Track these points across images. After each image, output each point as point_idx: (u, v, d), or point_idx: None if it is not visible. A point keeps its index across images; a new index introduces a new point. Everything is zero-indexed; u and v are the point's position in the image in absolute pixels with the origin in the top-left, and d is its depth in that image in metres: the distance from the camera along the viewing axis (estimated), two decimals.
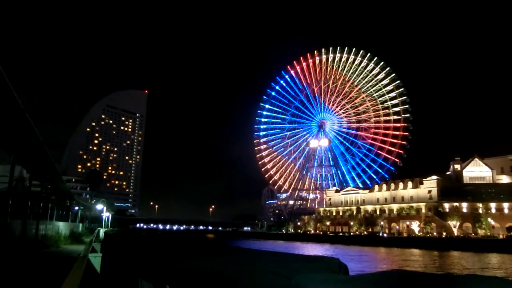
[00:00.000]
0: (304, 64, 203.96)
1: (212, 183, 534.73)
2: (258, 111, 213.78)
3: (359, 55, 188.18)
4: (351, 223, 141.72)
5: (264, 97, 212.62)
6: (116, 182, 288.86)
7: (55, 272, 13.38)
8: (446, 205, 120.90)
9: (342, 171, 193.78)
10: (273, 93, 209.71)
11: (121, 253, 6.18)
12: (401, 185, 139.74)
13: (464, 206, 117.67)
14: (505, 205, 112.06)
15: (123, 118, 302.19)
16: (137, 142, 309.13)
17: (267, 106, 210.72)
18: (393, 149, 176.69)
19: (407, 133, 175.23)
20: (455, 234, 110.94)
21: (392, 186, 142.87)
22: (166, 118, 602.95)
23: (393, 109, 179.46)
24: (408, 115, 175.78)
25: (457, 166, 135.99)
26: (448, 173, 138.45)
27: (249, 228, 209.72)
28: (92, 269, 7.44)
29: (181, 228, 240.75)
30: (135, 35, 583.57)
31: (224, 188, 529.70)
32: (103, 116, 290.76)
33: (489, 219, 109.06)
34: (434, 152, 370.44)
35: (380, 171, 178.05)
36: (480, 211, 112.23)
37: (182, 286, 3.38)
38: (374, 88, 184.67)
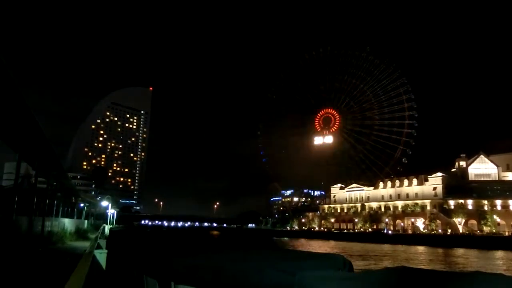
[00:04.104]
0: (309, 60, 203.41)
1: (217, 180, 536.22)
2: (263, 107, 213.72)
3: (365, 51, 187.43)
4: (356, 220, 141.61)
5: (269, 94, 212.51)
6: (121, 179, 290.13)
7: (61, 268, 13.50)
8: (451, 202, 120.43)
9: (347, 168, 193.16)
10: (278, 90, 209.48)
11: (126, 250, 6.21)
12: (406, 182, 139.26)
13: (470, 203, 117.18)
14: (511, 202, 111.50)
15: (128, 115, 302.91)
16: (141, 139, 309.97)
17: (272, 102, 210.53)
18: (398, 146, 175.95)
19: (412, 130, 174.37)
20: (460, 231, 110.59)
21: (397, 183, 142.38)
22: (171, 115, 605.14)
23: (398, 105, 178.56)
24: (413, 112, 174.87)
25: (463, 163, 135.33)
26: (453, 170, 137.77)
27: (253, 225, 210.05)
28: (97, 265, 7.49)
29: (186, 225, 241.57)
30: (139, 32, 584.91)
31: (229, 185, 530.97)
32: (107, 113, 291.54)
33: (495, 216, 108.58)
34: (439, 149, 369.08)
35: (385, 168, 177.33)
36: (486, 208, 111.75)
37: (187, 283, 3.40)
38: (379, 85, 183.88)
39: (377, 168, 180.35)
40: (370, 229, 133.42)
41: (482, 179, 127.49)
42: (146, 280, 4.50)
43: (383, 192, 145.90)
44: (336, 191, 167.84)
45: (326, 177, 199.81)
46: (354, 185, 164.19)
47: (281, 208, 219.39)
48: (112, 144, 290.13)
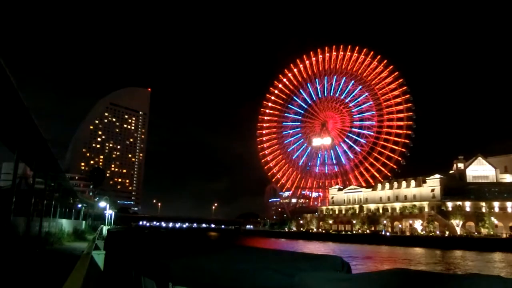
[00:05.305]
0: (307, 62, 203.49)
1: (215, 181, 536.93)
2: (261, 109, 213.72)
3: (363, 53, 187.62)
4: (354, 222, 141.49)
5: (267, 95, 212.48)
6: (119, 180, 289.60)
7: (58, 269, 13.45)
8: (449, 204, 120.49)
9: (345, 170, 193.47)
10: (276, 91, 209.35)
11: (124, 251, 6.20)
12: (404, 183, 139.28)
13: (467, 205, 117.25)
14: (508, 204, 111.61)
15: (126, 116, 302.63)
16: (140, 140, 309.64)
17: (270, 104, 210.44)
18: (396, 147, 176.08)
19: (410, 132, 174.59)
20: (458, 233, 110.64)
21: (395, 184, 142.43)
22: (169, 116, 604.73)
23: (396, 107, 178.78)
24: (411, 113, 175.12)
25: (461, 165, 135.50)
26: (451, 172, 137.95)
27: (251, 227, 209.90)
28: (95, 266, 7.47)
29: (184, 226, 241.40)
30: (138, 33, 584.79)
31: (227, 186, 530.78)
32: (106, 114, 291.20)
33: (492, 218, 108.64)
34: (437, 150, 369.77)
35: (383, 169, 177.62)
36: (483, 210, 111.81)
37: (184, 284, 3.39)
38: (377, 86, 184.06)
39: (375, 169, 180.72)
40: (368, 231, 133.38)
41: (480, 181, 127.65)
42: (144, 281, 4.49)
43: (381, 193, 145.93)
44: (334, 192, 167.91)
45: (324, 179, 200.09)
46: (352, 186, 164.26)
47: (279, 209, 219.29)
48: (110, 145, 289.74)
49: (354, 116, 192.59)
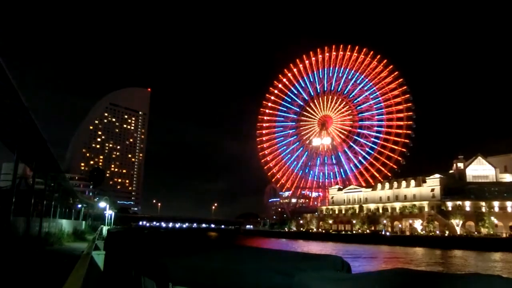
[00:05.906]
0: (307, 62, 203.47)
1: (215, 181, 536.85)
2: (261, 109, 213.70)
3: (362, 52, 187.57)
4: (354, 222, 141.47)
5: (267, 95, 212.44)
6: (119, 180, 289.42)
7: (58, 269, 13.44)
8: (449, 204, 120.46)
9: (345, 170, 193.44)
10: (276, 91, 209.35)
11: (124, 251, 6.20)
12: (403, 183, 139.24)
13: (467, 204, 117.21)
14: (508, 203, 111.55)
15: (126, 116, 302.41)
16: (139, 140, 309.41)
17: (269, 104, 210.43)
18: (395, 147, 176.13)
19: (410, 131, 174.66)
20: (458, 232, 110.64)
21: (395, 184, 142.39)
22: (169, 116, 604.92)
23: (396, 107, 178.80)
24: (411, 113, 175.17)
25: (460, 165, 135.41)
26: (451, 171, 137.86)
27: (251, 226, 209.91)
28: (95, 267, 7.47)
29: (184, 226, 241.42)
30: (138, 33, 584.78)
31: (227, 186, 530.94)
32: (106, 114, 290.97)
33: (492, 218, 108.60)
34: (437, 150, 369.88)
35: (383, 169, 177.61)
36: (483, 209, 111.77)
37: (184, 284, 3.39)
38: (377, 86, 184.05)
39: (375, 169, 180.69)
40: (368, 231, 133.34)
41: (479, 180, 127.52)
42: (144, 281, 4.49)
43: (381, 193, 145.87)
44: (334, 192, 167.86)
45: (324, 179, 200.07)
46: (352, 186, 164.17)
47: (279, 209, 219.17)
48: (110, 145, 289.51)
49: (354, 116, 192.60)
